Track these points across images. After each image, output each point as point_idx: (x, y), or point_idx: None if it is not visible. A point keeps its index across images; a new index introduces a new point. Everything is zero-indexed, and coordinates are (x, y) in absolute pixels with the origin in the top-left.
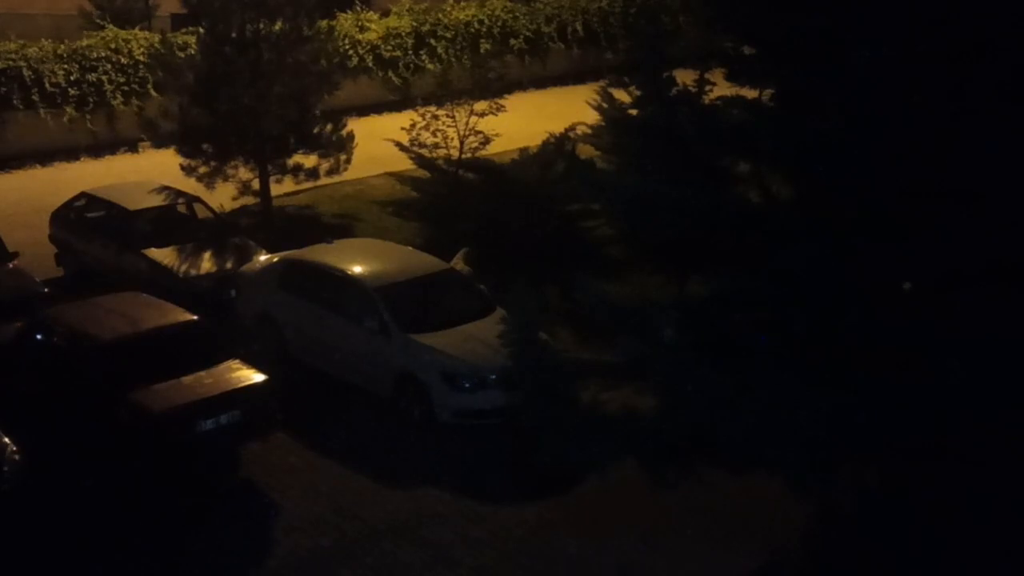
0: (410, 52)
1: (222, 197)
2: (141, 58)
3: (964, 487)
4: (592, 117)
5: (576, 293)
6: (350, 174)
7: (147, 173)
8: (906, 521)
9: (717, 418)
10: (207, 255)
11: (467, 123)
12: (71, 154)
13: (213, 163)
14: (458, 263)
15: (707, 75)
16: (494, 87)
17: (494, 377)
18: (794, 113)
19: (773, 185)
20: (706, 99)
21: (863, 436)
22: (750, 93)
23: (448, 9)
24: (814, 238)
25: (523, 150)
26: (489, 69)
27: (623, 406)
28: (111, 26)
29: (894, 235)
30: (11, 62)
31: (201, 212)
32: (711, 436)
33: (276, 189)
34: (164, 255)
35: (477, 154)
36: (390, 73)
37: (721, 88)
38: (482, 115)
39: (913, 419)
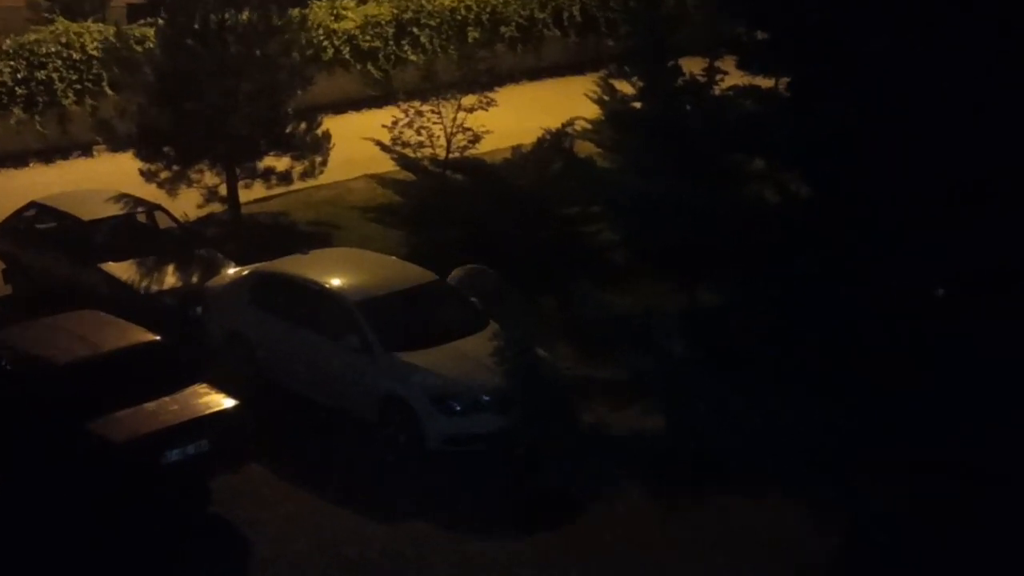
0: (391, 42)
1: (186, 205)
2: (95, 53)
3: (994, 507)
4: (591, 111)
5: (576, 304)
6: (326, 177)
7: (103, 179)
8: (939, 546)
9: (730, 437)
10: (170, 269)
11: (454, 119)
12: (19, 159)
13: (176, 167)
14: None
15: (716, 63)
16: (483, 79)
17: (488, 398)
18: (812, 104)
19: (789, 184)
20: (715, 90)
21: (883, 451)
22: (764, 83)
23: None
24: (833, 241)
25: (516, 148)
26: (478, 60)
27: (629, 427)
28: (61, 19)
29: (918, 237)
30: None
31: (163, 221)
32: (724, 456)
33: (245, 195)
34: (123, 269)
35: (466, 153)
36: (369, 66)
37: (732, 78)
38: (471, 110)
39: (933, 433)
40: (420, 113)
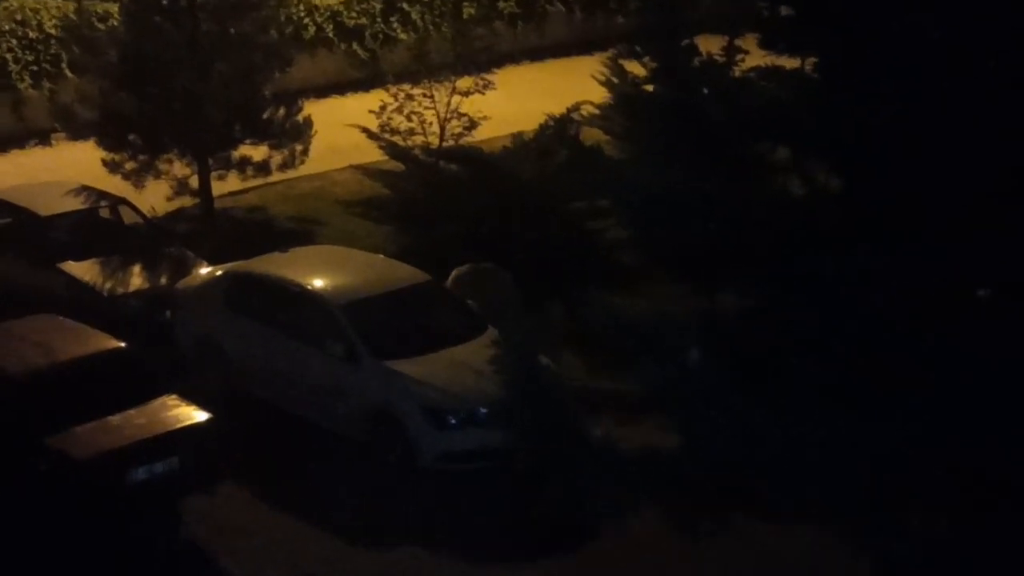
0: (378, 19)
1: (153, 198)
2: (53, 32)
3: None
4: (599, 95)
5: (584, 309)
6: (308, 168)
7: (62, 171)
8: None
9: (754, 456)
10: (136, 269)
11: (448, 104)
12: None
13: (142, 157)
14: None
15: (737, 42)
16: (480, 60)
17: (486, 412)
18: (842, 87)
19: (818, 175)
20: (736, 71)
21: (926, 472)
22: (789, 63)
23: None
24: (867, 239)
25: (516, 136)
26: (474, 38)
27: (642, 444)
28: None
29: (963, 235)
30: None
31: (128, 217)
32: (748, 478)
33: (219, 187)
34: (84, 270)
35: (461, 141)
36: (355, 45)
37: (754, 58)
38: (466, 94)
39: (981, 453)
40: (411, 97)
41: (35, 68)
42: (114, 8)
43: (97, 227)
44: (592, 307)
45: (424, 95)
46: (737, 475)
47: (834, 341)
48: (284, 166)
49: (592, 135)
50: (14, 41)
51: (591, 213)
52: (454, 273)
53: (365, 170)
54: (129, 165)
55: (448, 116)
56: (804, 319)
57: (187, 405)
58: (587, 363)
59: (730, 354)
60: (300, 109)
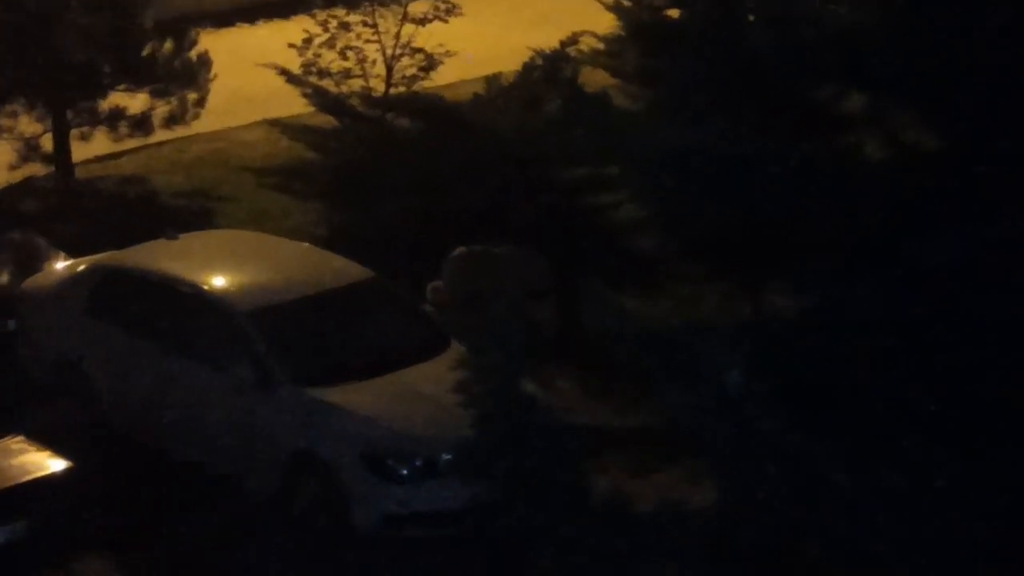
0: None
1: None
2: None
3: None
4: (605, 22)
5: (584, 313)
6: (205, 124)
7: None
8: None
9: (816, 515)
10: None
11: (398, 36)
12: None
13: None
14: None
15: None
16: None
17: (450, 457)
18: (940, 9)
19: (905, 130)
20: None
21: None
22: None
23: None
24: (976, 216)
25: (492, 79)
26: None
27: (663, 499)
28: None
29: None
30: None
31: None
32: (806, 544)
33: (81, 151)
34: None
35: (415, 87)
36: None
37: None
38: (422, 22)
39: None
40: (346, 27)
41: None
42: None
43: None
44: (595, 312)
45: (365, 24)
46: (792, 541)
47: (929, 358)
48: (172, 121)
49: (595, 78)
50: None
51: (594, 183)
52: (451, 259)
53: (284, 126)
54: None
55: (398, 53)
56: (886, 328)
57: (38, 450)
58: (588, 389)
59: (783, 376)
60: (194, 43)
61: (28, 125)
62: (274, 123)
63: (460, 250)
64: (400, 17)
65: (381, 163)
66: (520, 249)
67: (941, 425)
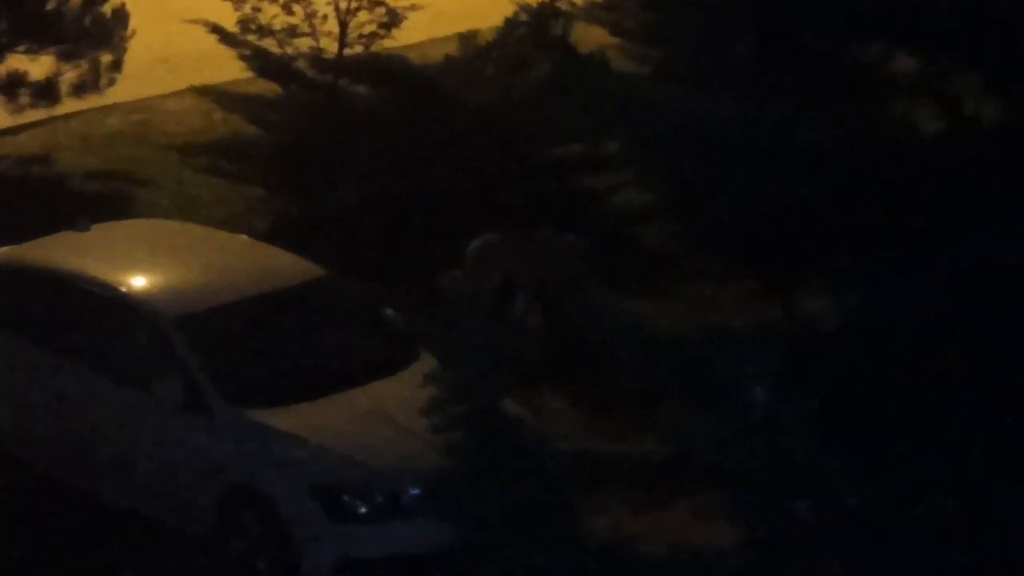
0: None
1: None
2: None
3: None
4: None
5: (579, 319)
6: (122, 92)
7: None
8: None
9: (861, 560)
10: None
11: None
12: None
13: None
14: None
15: None
16: None
17: (417, 492)
18: None
19: (965, 99)
20: None
21: None
22: None
23: None
24: None
25: (466, 38)
26: None
27: (675, 541)
28: None
29: None
30: None
31: None
32: None
33: None
34: None
35: (375, 47)
36: None
37: None
38: None
39: None
40: None
41: None
42: None
43: None
44: (592, 317)
45: None
46: None
47: (999, 375)
48: (82, 89)
49: (591, 36)
50: None
51: (590, 163)
52: (472, 250)
53: (216, 94)
54: None
55: (353, 6)
56: (943, 337)
57: None
58: (584, 410)
59: (820, 394)
60: None
61: None
62: (205, 91)
63: (487, 237)
64: None
65: (334, 139)
66: (556, 232)
67: (1009, 454)
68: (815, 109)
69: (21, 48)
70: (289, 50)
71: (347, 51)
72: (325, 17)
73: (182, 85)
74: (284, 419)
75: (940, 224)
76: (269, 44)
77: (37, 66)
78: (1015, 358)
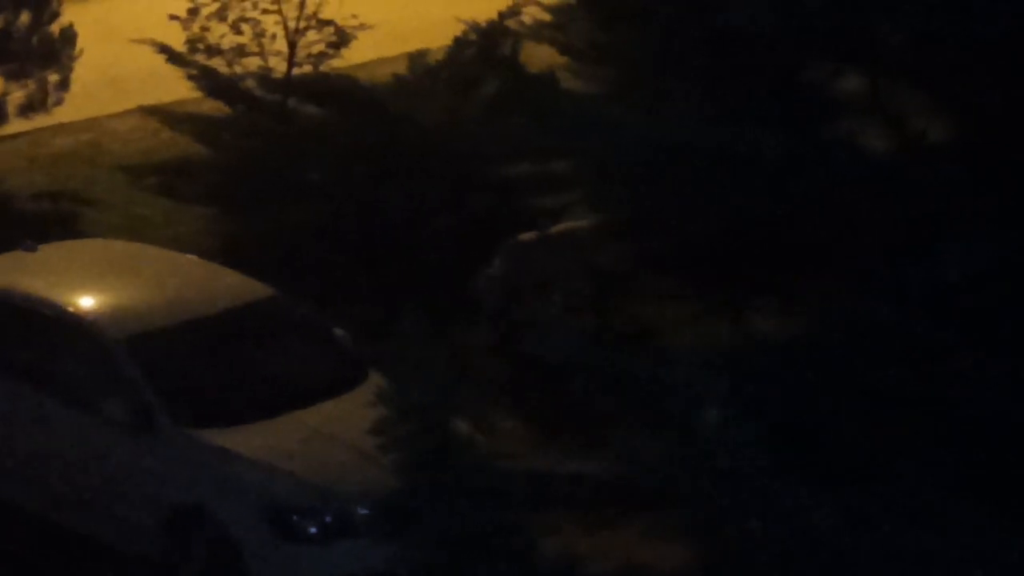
0: None
1: None
2: None
3: None
4: None
5: (526, 339)
6: (70, 111)
7: None
8: None
9: None
10: None
11: (303, 6)
12: None
13: None
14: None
15: None
16: None
17: (367, 513)
18: None
19: (912, 117)
20: None
21: None
22: None
23: None
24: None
25: (416, 57)
26: None
27: (626, 562)
28: None
29: None
30: None
31: None
32: None
33: None
34: None
35: (324, 66)
36: None
37: None
38: None
39: None
40: None
41: None
42: None
43: None
44: (541, 337)
45: None
46: None
47: (949, 395)
48: (29, 108)
49: (541, 55)
50: None
51: (539, 182)
52: (509, 244)
53: (164, 114)
54: None
55: (302, 26)
56: (895, 357)
57: None
58: (533, 427)
59: (771, 415)
60: (56, 15)
61: None
62: (153, 111)
63: (526, 235)
64: None
65: (283, 158)
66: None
67: (963, 474)
68: (764, 128)
69: None
70: (238, 70)
71: (296, 71)
72: (274, 37)
73: (130, 105)
74: (233, 439)
75: (889, 242)
76: (218, 64)
77: None
78: (967, 374)
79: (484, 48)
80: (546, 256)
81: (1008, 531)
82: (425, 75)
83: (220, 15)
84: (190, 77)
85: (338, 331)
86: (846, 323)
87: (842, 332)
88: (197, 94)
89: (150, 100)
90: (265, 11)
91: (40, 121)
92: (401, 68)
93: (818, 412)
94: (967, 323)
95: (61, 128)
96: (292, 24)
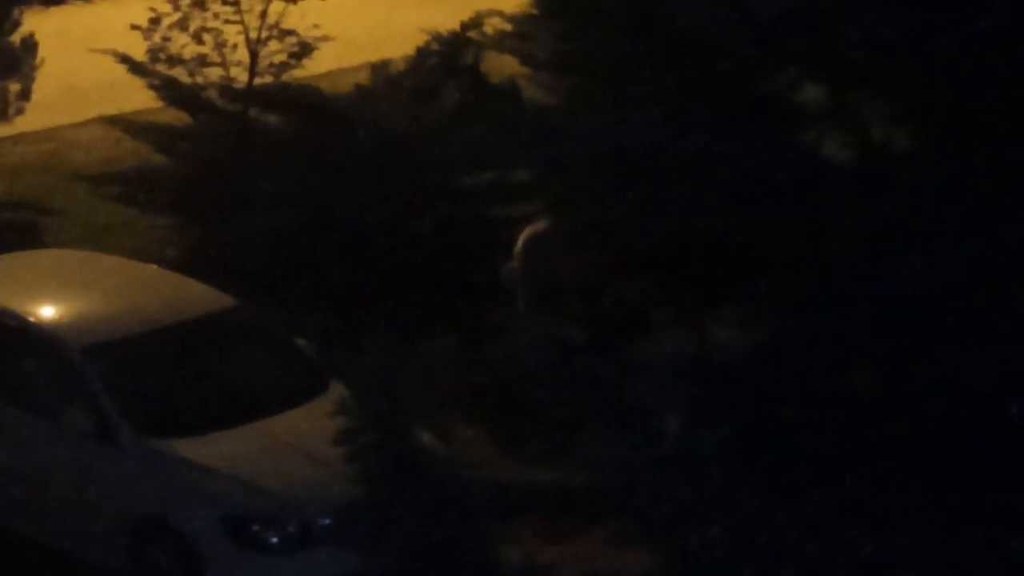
0: None
1: None
2: None
3: None
4: (514, 0)
5: (488, 349)
6: (30, 121)
7: None
8: None
9: None
10: None
11: (264, 16)
12: None
13: None
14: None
15: None
16: None
17: (328, 522)
18: None
19: (873, 127)
20: None
21: None
22: None
23: None
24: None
25: (378, 67)
26: None
27: (588, 570)
28: None
29: None
30: None
31: None
32: None
33: None
34: None
35: (286, 76)
36: None
37: None
38: (294, 0)
39: None
40: (201, 3)
41: None
42: None
43: None
44: (504, 345)
45: (224, 1)
46: None
47: (912, 404)
48: None
49: (502, 65)
50: None
51: (502, 191)
52: (528, 235)
53: (126, 124)
54: None
55: (264, 36)
56: (858, 366)
57: None
58: (496, 439)
59: (734, 423)
60: (17, 24)
61: None
62: (114, 120)
63: (543, 224)
64: None
65: (244, 168)
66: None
67: (925, 482)
68: (724, 139)
69: None
70: (199, 79)
71: (257, 80)
72: (235, 47)
73: (91, 114)
74: (194, 449)
75: (852, 250)
76: (179, 73)
77: None
78: (931, 382)
79: (446, 58)
80: (559, 245)
81: (972, 536)
82: (387, 85)
83: (181, 25)
84: (151, 87)
85: (299, 341)
86: (809, 330)
87: (806, 339)
88: (158, 104)
89: (111, 110)
90: (227, 21)
91: (0, 131)
92: (363, 78)
93: (781, 419)
94: (931, 330)
95: (22, 137)
96: (254, 34)
